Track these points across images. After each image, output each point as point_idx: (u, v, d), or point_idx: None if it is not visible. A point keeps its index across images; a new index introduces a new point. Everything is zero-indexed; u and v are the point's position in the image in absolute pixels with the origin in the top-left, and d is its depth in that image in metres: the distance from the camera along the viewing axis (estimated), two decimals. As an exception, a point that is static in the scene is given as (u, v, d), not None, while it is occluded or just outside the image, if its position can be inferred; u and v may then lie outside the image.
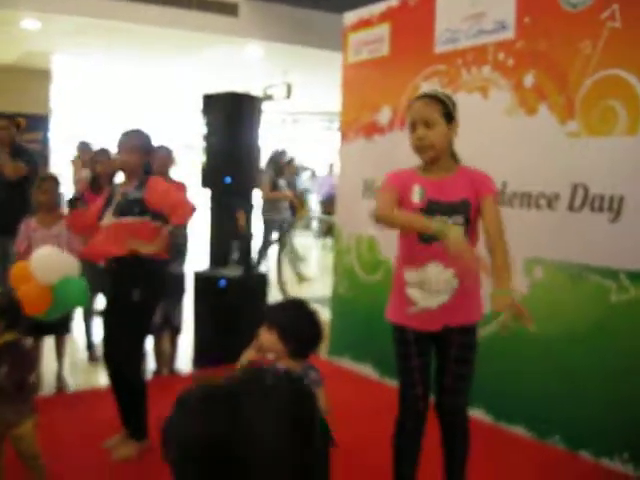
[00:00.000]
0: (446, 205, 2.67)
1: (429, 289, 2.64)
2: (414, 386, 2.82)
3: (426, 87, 4.62)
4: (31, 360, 3.07)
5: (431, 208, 2.66)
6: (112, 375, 3.64)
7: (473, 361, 2.85)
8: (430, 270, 2.65)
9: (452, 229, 2.50)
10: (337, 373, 5.22)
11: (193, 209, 3.66)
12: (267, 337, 2.46)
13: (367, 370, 5.14)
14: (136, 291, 3.52)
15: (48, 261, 3.55)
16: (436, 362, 2.88)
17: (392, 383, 4.88)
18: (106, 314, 3.77)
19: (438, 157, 2.72)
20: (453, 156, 2.82)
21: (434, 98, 2.71)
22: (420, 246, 2.70)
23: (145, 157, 3.71)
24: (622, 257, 3.53)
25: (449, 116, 2.70)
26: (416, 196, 2.68)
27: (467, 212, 2.68)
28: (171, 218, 3.56)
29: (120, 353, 3.58)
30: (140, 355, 3.72)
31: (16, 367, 2.89)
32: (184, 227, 3.89)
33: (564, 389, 3.78)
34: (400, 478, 2.89)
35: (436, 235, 2.51)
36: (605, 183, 3.59)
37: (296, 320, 2.51)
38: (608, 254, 3.58)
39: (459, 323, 2.76)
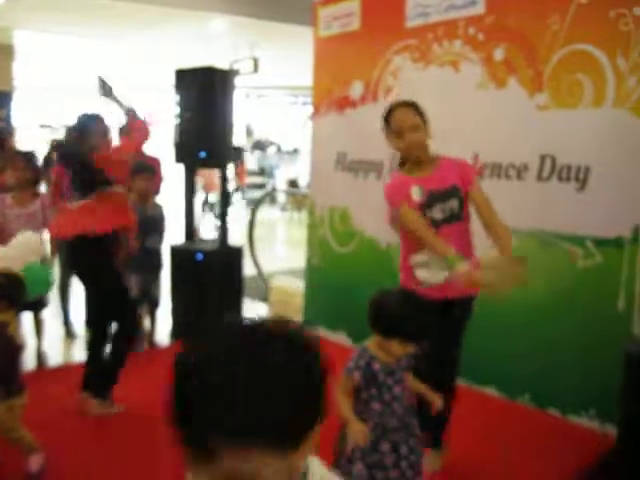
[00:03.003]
0: (443, 192, 3.00)
1: (435, 267, 2.93)
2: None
3: (397, 61, 4.72)
4: (14, 344, 3.04)
5: (431, 199, 3.00)
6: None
7: (464, 332, 3.21)
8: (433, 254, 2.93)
9: (459, 262, 2.82)
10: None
11: None
12: (402, 349, 2.42)
13: (341, 337, 5.27)
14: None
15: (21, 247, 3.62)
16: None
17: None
18: None
19: (422, 156, 3.05)
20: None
21: (413, 105, 3.05)
22: None
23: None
24: (588, 224, 3.70)
25: (425, 120, 3.04)
26: (416, 195, 3.01)
27: (459, 195, 3.02)
28: None
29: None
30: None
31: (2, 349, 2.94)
32: None
33: (534, 351, 3.96)
34: None
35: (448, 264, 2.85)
36: (572, 154, 3.75)
37: (414, 321, 2.43)
38: (575, 222, 3.75)
39: (460, 295, 3.05)
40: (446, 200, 3.00)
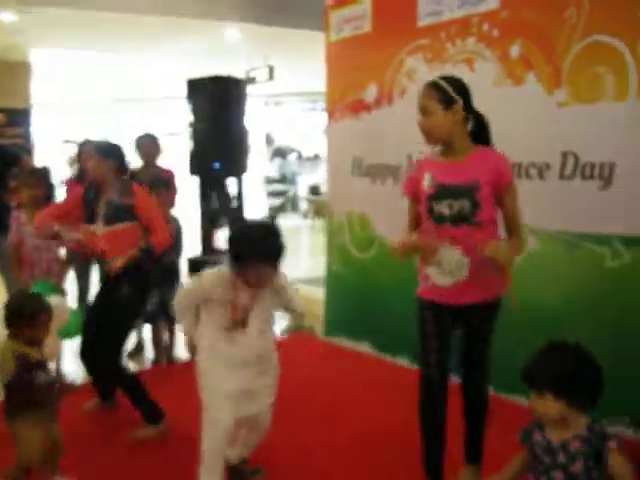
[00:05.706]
0: (453, 188, 2.74)
1: (443, 269, 2.76)
2: (429, 366, 2.92)
3: (411, 62, 4.61)
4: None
5: (439, 193, 2.76)
6: (92, 371, 3.87)
7: (491, 334, 2.96)
8: (443, 252, 2.74)
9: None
10: (335, 352, 5.25)
11: (168, 239, 3.83)
12: (547, 406, 2.03)
13: (364, 347, 5.16)
14: (125, 286, 3.69)
15: None
16: (459, 339, 2.99)
17: (391, 359, 4.91)
18: (93, 310, 3.91)
19: (446, 141, 2.79)
20: (483, 137, 2.88)
21: (432, 86, 2.77)
22: (434, 227, 2.81)
23: (112, 162, 3.76)
24: (615, 223, 3.55)
25: (448, 101, 2.72)
26: (426, 184, 2.81)
27: (473, 195, 2.71)
28: (151, 238, 3.71)
29: (102, 350, 3.70)
30: (121, 349, 3.81)
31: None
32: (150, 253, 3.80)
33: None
34: (426, 450, 3.00)
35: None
36: (595, 151, 3.60)
37: (566, 369, 2.06)
38: (601, 221, 3.60)
39: (479, 299, 2.82)
40: (456, 197, 2.72)
